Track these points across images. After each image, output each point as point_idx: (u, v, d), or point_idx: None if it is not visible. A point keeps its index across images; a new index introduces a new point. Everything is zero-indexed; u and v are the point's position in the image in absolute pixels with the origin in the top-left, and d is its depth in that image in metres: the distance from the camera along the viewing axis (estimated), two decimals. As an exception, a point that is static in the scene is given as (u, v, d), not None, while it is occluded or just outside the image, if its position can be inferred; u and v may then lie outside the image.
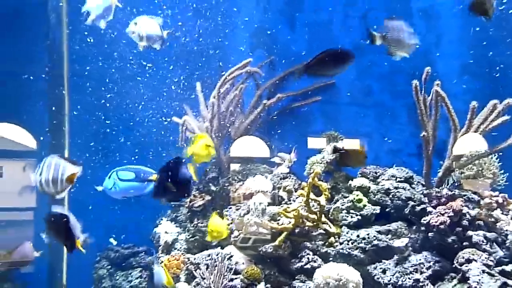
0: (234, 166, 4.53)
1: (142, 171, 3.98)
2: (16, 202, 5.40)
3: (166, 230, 4.60)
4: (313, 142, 4.43)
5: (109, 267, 5.54)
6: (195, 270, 3.71)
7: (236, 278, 3.60)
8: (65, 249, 5.51)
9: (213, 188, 4.42)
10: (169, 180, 3.07)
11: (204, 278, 3.59)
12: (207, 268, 3.63)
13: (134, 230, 5.67)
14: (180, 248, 4.35)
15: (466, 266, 3.16)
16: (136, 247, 5.67)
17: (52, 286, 5.77)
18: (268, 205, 3.85)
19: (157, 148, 5.29)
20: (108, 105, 5.34)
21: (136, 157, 5.26)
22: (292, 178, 4.21)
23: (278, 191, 4.08)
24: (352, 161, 4.05)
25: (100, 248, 5.74)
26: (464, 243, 3.36)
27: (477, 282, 3.03)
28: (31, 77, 5.17)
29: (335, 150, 4.06)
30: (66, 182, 3.10)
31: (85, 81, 5.37)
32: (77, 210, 5.58)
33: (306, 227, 3.76)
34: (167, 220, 4.84)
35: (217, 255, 3.74)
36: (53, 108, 5.40)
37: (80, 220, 5.31)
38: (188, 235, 4.31)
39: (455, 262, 3.28)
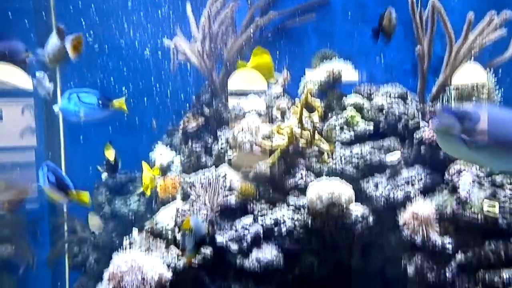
0: (233, 101, 4.47)
1: (102, 96, 3.82)
2: (17, 143, 5.46)
3: (161, 153, 4.63)
4: (311, 75, 4.35)
5: (108, 193, 5.63)
6: (190, 189, 3.76)
7: (230, 195, 3.66)
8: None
9: (206, 110, 4.39)
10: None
11: (199, 196, 3.64)
12: (202, 187, 3.68)
13: (131, 156, 5.72)
14: (175, 169, 4.39)
15: (457, 177, 3.21)
16: (133, 173, 5.75)
17: (53, 214, 5.89)
18: (261, 124, 3.85)
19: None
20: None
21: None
22: (286, 98, 4.18)
23: (272, 110, 4.06)
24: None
25: (98, 176, 5.82)
26: (456, 157, 3.38)
27: (467, 191, 3.08)
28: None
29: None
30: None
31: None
32: (73, 140, 5.67)
33: (300, 145, 3.78)
34: (162, 145, 4.87)
35: (212, 174, 3.79)
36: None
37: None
38: (183, 158, 4.33)
39: (446, 174, 3.32)
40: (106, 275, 2.97)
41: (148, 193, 4.07)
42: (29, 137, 5.63)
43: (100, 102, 3.74)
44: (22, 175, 5.54)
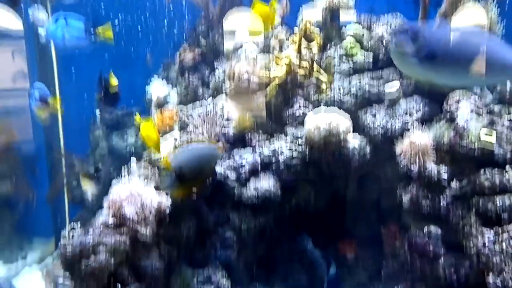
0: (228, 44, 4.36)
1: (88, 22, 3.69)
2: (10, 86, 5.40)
3: (157, 86, 4.58)
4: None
5: (105, 128, 5.62)
6: (188, 120, 3.75)
7: (228, 126, 3.66)
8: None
9: (203, 41, 4.31)
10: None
11: (197, 127, 3.64)
12: (199, 117, 3.67)
13: (127, 91, 5.67)
14: (173, 101, 4.36)
15: (455, 107, 3.20)
16: (129, 108, 5.72)
17: (50, 151, 5.90)
18: (259, 54, 3.80)
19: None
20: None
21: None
22: (284, 28, 4.10)
23: (270, 40, 3.99)
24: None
25: (94, 111, 5.79)
26: (456, 86, 3.36)
27: (465, 121, 3.08)
28: None
29: None
30: None
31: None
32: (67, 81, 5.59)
33: (298, 76, 3.74)
34: (158, 78, 4.81)
35: (209, 105, 3.77)
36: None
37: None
38: (180, 90, 4.29)
39: (444, 103, 3.31)
40: (105, 203, 3.00)
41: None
42: (21, 81, 5.58)
43: (86, 27, 3.61)
44: (17, 119, 5.54)
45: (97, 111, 5.64)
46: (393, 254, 3.66)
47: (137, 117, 3.02)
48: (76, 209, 5.58)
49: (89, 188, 5.01)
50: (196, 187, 3.23)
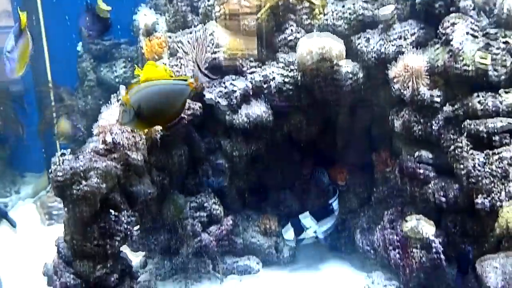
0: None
1: None
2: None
3: (145, 14, 4.42)
4: None
5: (92, 60, 5.50)
6: (177, 47, 3.66)
7: (218, 51, 3.57)
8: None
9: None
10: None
11: (187, 53, 3.55)
12: (189, 44, 3.57)
13: (113, 22, 5.50)
14: (161, 29, 4.22)
15: (450, 29, 3.12)
16: (117, 39, 5.57)
17: (38, 85, 5.80)
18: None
19: None
20: None
21: None
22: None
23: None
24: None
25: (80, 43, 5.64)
26: (451, 9, 3.26)
27: (459, 43, 3.02)
28: None
29: None
30: None
31: None
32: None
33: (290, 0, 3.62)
34: (146, 7, 4.64)
35: (199, 31, 3.66)
36: None
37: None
38: (168, 17, 4.15)
39: (440, 27, 3.22)
40: (95, 129, 2.96)
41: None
42: (6, 19, 5.42)
43: None
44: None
45: (79, 44, 5.49)
46: (383, 180, 3.71)
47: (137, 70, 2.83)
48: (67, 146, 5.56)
49: (64, 132, 4.91)
50: (159, 124, 3.05)
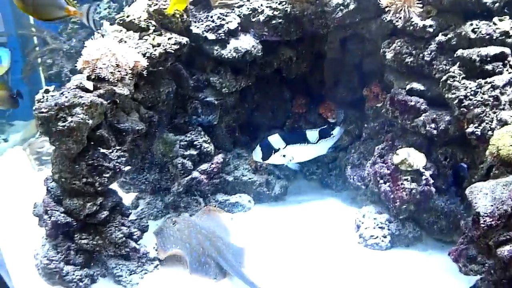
0: None
1: None
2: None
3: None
4: None
5: (75, 1, 5.30)
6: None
7: (205, -16, 3.45)
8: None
9: None
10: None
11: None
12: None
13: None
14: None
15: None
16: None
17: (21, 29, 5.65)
18: None
19: None
20: None
21: None
22: None
23: None
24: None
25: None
26: None
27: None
28: None
29: None
30: None
31: None
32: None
33: None
34: None
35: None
36: None
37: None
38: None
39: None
40: (79, 63, 2.87)
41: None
42: None
43: None
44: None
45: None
46: (375, 115, 3.68)
47: None
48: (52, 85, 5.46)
49: None
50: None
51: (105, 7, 5.16)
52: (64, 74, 5.21)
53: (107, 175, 2.78)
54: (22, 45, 5.91)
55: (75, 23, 5.30)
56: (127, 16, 3.26)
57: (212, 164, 3.57)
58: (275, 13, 3.40)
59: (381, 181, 3.28)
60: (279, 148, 3.58)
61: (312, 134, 3.67)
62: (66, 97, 2.66)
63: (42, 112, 2.61)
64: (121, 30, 3.25)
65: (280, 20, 3.41)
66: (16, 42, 5.88)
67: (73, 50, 5.19)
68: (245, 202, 3.71)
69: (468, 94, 2.83)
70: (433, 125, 3.08)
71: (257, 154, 3.58)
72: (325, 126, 3.78)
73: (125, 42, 3.12)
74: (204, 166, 3.54)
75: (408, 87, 3.24)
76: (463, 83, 2.87)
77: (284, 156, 3.60)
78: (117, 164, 2.84)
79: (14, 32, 5.90)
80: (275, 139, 3.59)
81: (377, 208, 3.42)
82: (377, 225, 3.28)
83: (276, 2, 3.41)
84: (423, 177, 3.10)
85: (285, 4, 3.39)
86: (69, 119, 2.59)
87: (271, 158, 3.58)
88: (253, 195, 3.79)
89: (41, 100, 2.81)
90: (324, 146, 3.74)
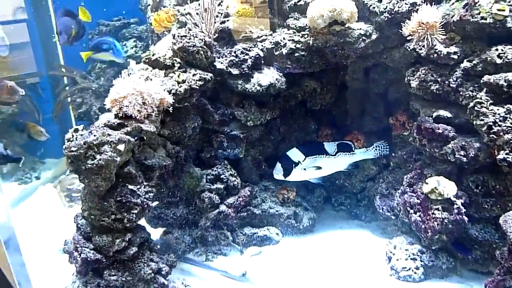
0: None
1: None
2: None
3: (153, -11, 4.38)
4: None
5: (103, 41, 5.49)
6: (186, 18, 3.60)
7: (227, 20, 3.51)
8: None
9: None
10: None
11: (196, 24, 3.50)
12: (198, 14, 3.52)
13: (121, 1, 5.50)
14: (169, 4, 4.18)
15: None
16: (126, 19, 5.55)
17: (51, 69, 5.82)
18: None
19: None
20: None
21: None
22: None
23: None
24: None
25: (91, 26, 5.64)
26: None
27: (476, -5, 2.90)
28: None
29: None
30: None
31: None
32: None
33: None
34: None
35: (208, 1, 3.59)
36: None
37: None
38: (176, -11, 4.10)
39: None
40: (107, 102, 2.93)
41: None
42: (20, 14, 5.45)
43: None
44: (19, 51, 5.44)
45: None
46: (402, 144, 3.64)
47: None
48: (84, 124, 5.58)
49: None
50: None
51: (131, 45, 5.31)
52: (93, 112, 5.33)
53: (135, 211, 2.80)
54: (52, 85, 6.08)
55: (104, 63, 5.46)
56: (153, 55, 3.34)
57: (239, 197, 3.57)
58: (298, 45, 3.43)
59: (411, 211, 3.22)
60: (299, 162, 3.52)
61: (330, 146, 3.63)
62: (94, 135, 2.71)
63: (72, 151, 2.66)
64: (147, 68, 3.33)
65: (302, 53, 3.44)
66: (47, 82, 6.06)
67: (101, 89, 5.32)
68: (273, 235, 3.67)
69: (497, 120, 2.78)
70: (462, 153, 3.02)
71: (278, 171, 3.51)
72: (344, 141, 3.73)
73: (151, 79, 3.18)
74: (231, 200, 3.54)
75: (435, 114, 3.20)
76: (491, 109, 2.83)
77: (305, 169, 3.55)
78: (145, 200, 2.86)
79: (45, 72, 6.09)
80: (293, 152, 3.54)
81: (408, 239, 3.34)
82: (409, 256, 3.20)
83: (298, 35, 3.44)
84: (455, 206, 3.03)
85: (307, 37, 3.42)
86: (98, 157, 2.63)
87: (292, 173, 3.51)
88: (281, 228, 3.75)
89: (71, 139, 2.88)
90: (343, 161, 3.68)
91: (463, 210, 3.02)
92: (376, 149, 3.70)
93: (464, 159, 3.01)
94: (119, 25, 5.47)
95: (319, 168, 3.57)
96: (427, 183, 3.11)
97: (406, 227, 3.43)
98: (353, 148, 3.69)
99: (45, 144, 5.87)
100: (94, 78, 5.54)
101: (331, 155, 3.61)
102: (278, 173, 3.51)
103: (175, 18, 3.85)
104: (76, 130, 2.96)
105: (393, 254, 3.30)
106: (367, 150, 3.72)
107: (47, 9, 5.53)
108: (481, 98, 2.89)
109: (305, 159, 3.52)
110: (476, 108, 2.88)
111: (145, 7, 4.53)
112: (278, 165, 3.52)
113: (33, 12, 5.52)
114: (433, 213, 3.08)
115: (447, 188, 3.04)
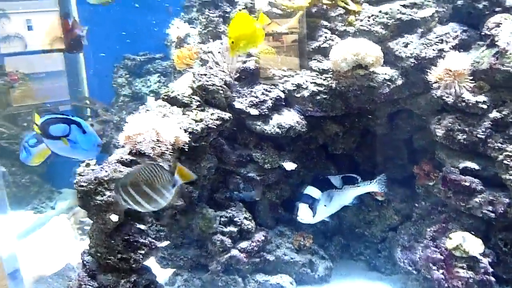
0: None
1: None
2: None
3: (177, 26, 4.40)
4: None
5: (127, 75, 5.54)
6: (208, 56, 3.57)
7: (249, 61, 3.46)
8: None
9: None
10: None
11: (217, 63, 3.46)
12: (219, 53, 3.48)
13: (148, 37, 5.55)
14: (194, 41, 4.18)
15: (496, 30, 2.90)
16: (152, 54, 5.60)
17: (74, 100, 5.86)
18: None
19: None
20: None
21: None
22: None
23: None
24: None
25: (117, 60, 5.71)
26: (496, 9, 3.05)
27: (507, 43, 2.79)
28: None
29: None
30: None
31: None
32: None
33: (324, 6, 3.48)
34: (179, 20, 4.63)
35: (230, 40, 3.57)
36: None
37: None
38: (201, 28, 4.09)
39: (484, 28, 3.01)
40: (120, 138, 2.88)
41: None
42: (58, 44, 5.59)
43: None
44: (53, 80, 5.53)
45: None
46: (426, 194, 3.48)
47: None
48: (102, 157, 5.56)
49: None
50: None
51: (155, 81, 5.33)
52: (113, 145, 5.31)
53: (142, 252, 2.69)
54: (75, 116, 6.13)
55: (126, 96, 5.48)
56: (172, 92, 3.29)
57: (253, 242, 3.42)
58: (320, 88, 3.34)
59: (434, 268, 3.03)
60: (320, 199, 3.39)
61: (335, 179, 3.54)
62: (106, 171, 2.65)
63: (82, 186, 2.60)
64: (165, 105, 3.28)
65: (325, 96, 3.35)
66: (71, 113, 6.11)
67: (122, 122, 5.31)
68: (287, 283, 3.49)
69: (528, 175, 2.62)
70: (490, 208, 2.86)
71: (305, 213, 3.34)
72: (347, 174, 3.63)
73: (168, 117, 3.13)
74: (244, 244, 3.40)
75: (461, 166, 3.05)
76: (522, 163, 2.67)
77: (325, 205, 3.43)
78: (153, 240, 2.76)
79: (69, 103, 6.15)
80: (312, 191, 3.41)
81: (431, 297, 3.14)
82: (430, 316, 3.00)
83: (321, 78, 3.37)
84: (481, 265, 2.84)
85: (330, 80, 3.34)
86: (107, 193, 2.57)
87: (317, 213, 3.36)
88: (295, 276, 3.58)
89: (82, 174, 2.82)
90: (348, 194, 3.57)
91: (490, 270, 2.84)
92: (379, 182, 3.59)
93: (492, 215, 2.84)
94: (144, 59, 5.52)
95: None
96: (451, 239, 2.93)
97: (428, 283, 3.23)
98: (358, 181, 3.60)
99: (64, 174, 5.88)
100: (117, 111, 5.55)
101: (338, 188, 3.52)
102: (305, 215, 3.36)
103: (198, 56, 3.82)
104: (87, 165, 2.90)
105: (413, 312, 3.10)
106: (370, 182, 3.60)
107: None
108: (511, 152, 2.74)
109: (321, 195, 3.42)
110: (505, 161, 2.74)
111: (170, 43, 4.54)
112: (301, 206, 3.37)
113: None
114: (457, 272, 2.89)
115: (473, 245, 2.86)
